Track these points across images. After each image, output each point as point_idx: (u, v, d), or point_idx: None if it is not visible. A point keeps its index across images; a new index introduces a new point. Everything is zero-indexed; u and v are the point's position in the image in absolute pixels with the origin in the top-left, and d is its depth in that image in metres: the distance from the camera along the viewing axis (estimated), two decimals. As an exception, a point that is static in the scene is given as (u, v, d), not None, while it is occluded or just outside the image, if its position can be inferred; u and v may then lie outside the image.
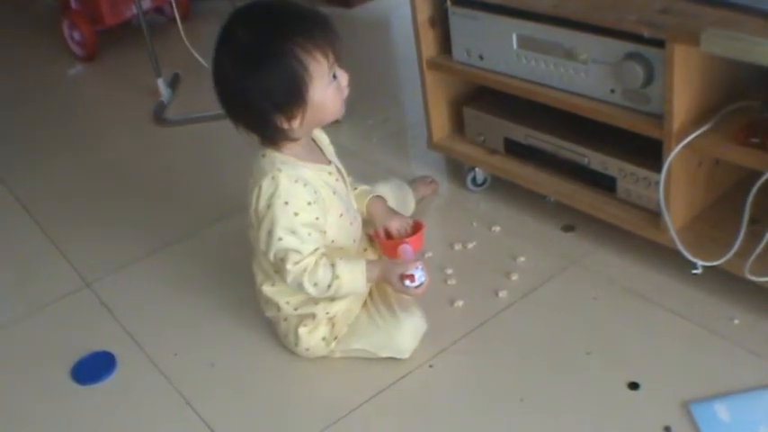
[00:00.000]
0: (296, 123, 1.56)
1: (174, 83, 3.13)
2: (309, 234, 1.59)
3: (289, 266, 1.58)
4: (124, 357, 1.87)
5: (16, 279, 2.22)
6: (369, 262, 1.66)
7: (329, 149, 1.77)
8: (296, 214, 1.57)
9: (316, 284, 1.59)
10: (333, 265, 1.60)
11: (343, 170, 1.75)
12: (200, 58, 2.97)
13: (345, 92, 1.60)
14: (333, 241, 1.67)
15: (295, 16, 1.54)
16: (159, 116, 2.95)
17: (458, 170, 2.29)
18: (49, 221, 2.44)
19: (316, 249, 1.60)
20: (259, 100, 1.52)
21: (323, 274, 1.59)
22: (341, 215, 1.67)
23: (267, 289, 1.73)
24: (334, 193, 1.66)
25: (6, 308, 2.10)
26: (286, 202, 1.57)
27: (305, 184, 1.59)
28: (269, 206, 1.58)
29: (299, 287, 1.61)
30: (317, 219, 1.60)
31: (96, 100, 3.31)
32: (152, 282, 2.11)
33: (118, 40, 3.61)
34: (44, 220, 2.45)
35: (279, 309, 1.73)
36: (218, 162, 2.58)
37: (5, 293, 2.16)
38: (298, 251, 1.58)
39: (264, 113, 1.54)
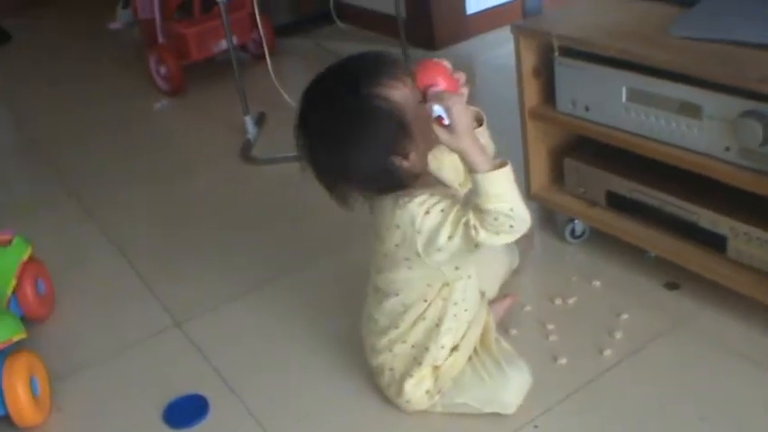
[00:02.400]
0: (413, 157, 1.54)
1: (260, 121, 3.14)
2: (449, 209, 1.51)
3: (477, 238, 1.46)
4: (217, 402, 1.85)
5: (104, 317, 2.21)
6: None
7: (444, 176, 1.72)
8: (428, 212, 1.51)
9: (495, 218, 1.44)
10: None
11: None
12: (286, 96, 2.97)
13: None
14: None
15: (363, 62, 1.56)
16: (247, 154, 2.95)
17: (553, 221, 2.25)
18: (137, 257, 2.45)
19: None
20: (369, 155, 1.52)
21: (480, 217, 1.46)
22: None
23: (390, 333, 1.69)
24: None
25: (96, 346, 2.09)
26: (426, 212, 1.51)
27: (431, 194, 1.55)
28: (419, 231, 1.52)
29: (502, 235, 1.46)
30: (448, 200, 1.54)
31: (182, 135, 3.33)
32: (243, 324, 2.10)
33: (203, 76, 3.64)
34: (133, 256, 2.46)
35: (391, 351, 1.70)
36: (307, 203, 2.56)
37: (94, 331, 2.16)
38: (462, 222, 1.48)
39: (381, 165, 1.53)
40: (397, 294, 1.65)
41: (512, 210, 1.44)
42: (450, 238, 1.49)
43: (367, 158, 1.53)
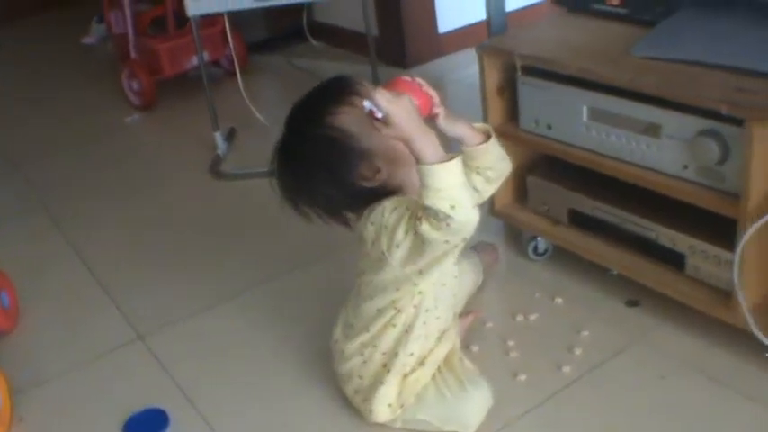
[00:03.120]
0: (382, 175, 1.56)
1: (230, 136, 3.14)
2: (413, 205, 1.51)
3: (419, 230, 1.44)
4: (177, 415, 1.85)
5: (68, 329, 2.21)
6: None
7: None
8: (395, 207, 1.53)
9: (435, 213, 1.40)
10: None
11: None
12: (256, 112, 2.99)
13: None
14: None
15: (310, 97, 1.60)
16: (216, 169, 2.95)
17: (517, 237, 2.26)
18: (103, 270, 2.44)
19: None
20: (337, 186, 1.56)
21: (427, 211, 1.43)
22: None
23: (361, 337, 1.70)
24: None
25: (58, 359, 2.09)
26: (395, 208, 1.53)
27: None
28: (385, 227, 1.52)
29: (441, 232, 1.42)
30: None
31: (152, 149, 3.33)
32: (206, 337, 2.10)
33: (175, 92, 3.64)
34: (98, 269, 2.45)
35: (362, 355, 1.71)
36: (274, 219, 2.53)
37: (58, 344, 2.15)
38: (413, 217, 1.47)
39: (350, 191, 1.56)
40: (372, 298, 1.66)
41: (452, 208, 1.39)
42: (406, 232, 1.47)
43: (335, 189, 1.57)
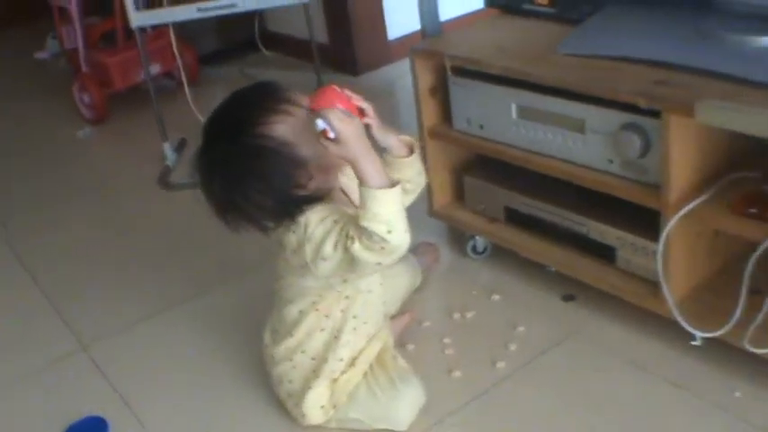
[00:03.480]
0: (315, 182, 1.56)
1: (180, 147, 3.15)
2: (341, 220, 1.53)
3: (351, 249, 1.47)
4: (117, 423, 1.85)
5: (10, 339, 2.21)
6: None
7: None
8: (322, 220, 1.54)
9: (370, 235, 1.44)
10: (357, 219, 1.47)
11: None
12: (206, 123, 2.99)
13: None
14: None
15: (237, 105, 1.57)
16: (164, 180, 2.96)
17: (459, 237, 2.28)
18: (48, 281, 2.45)
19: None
20: (268, 194, 1.53)
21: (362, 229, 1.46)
22: None
23: (287, 342, 1.71)
24: None
25: (0, 368, 2.09)
26: (321, 220, 1.53)
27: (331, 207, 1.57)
28: (309, 238, 1.53)
29: (374, 253, 1.46)
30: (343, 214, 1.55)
31: (103, 162, 3.33)
32: (150, 346, 2.11)
33: (128, 104, 3.64)
34: (43, 280, 2.46)
35: (291, 360, 1.71)
36: (220, 227, 2.57)
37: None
38: (344, 233, 1.49)
39: (285, 198, 1.54)
40: (292, 302, 1.67)
41: (389, 232, 1.44)
42: (335, 247, 1.49)
43: (270, 198, 1.54)
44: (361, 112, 1.57)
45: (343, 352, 1.70)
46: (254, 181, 1.53)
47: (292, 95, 1.57)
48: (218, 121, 1.58)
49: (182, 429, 1.82)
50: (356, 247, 1.45)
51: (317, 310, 1.66)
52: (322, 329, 1.68)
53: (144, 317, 2.21)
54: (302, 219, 1.54)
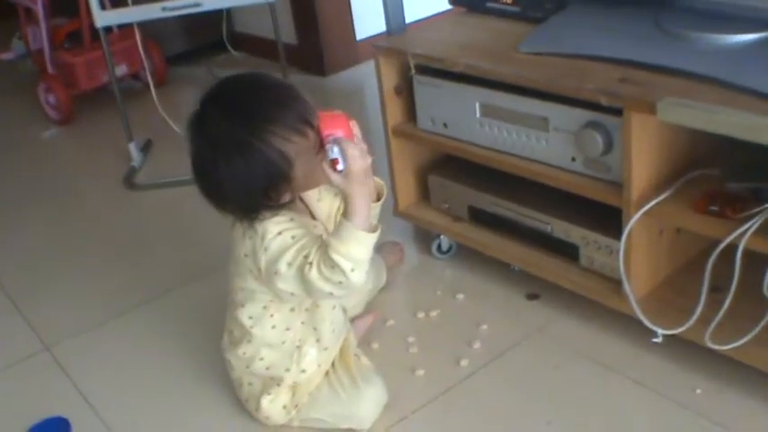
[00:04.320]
0: (285, 198, 1.53)
1: (146, 148, 3.13)
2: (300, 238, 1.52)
3: (308, 275, 1.46)
4: (79, 424, 1.83)
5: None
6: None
7: (318, 207, 1.72)
8: (280, 233, 1.52)
9: (333, 267, 1.45)
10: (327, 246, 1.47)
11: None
12: (172, 124, 2.98)
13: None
14: None
15: (267, 100, 1.50)
16: (129, 180, 2.94)
17: (424, 237, 2.28)
18: (11, 281, 2.42)
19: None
20: (242, 189, 1.49)
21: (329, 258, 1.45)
22: None
23: (244, 347, 1.68)
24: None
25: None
26: (279, 233, 1.52)
27: (290, 219, 1.55)
28: (265, 249, 1.51)
29: (329, 284, 1.47)
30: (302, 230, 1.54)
31: (68, 163, 3.31)
32: (113, 346, 2.09)
33: (94, 105, 3.61)
34: (6, 280, 2.43)
35: (248, 367, 1.70)
36: (185, 227, 2.57)
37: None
38: (303, 254, 1.48)
39: (250, 199, 1.51)
40: (243, 305, 1.65)
41: (352, 271, 1.45)
42: (289, 265, 1.49)
43: (241, 195, 1.50)
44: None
45: (306, 364, 1.69)
46: (236, 173, 1.47)
47: (312, 116, 1.50)
48: (234, 97, 1.51)
49: (145, 430, 1.81)
50: (313, 275, 1.46)
51: (271, 316, 1.64)
52: (284, 342, 1.66)
53: (107, 317, 2.19)
54: (259, 227, 1.52)
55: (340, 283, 1.46)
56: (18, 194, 3.01)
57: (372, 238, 1.48)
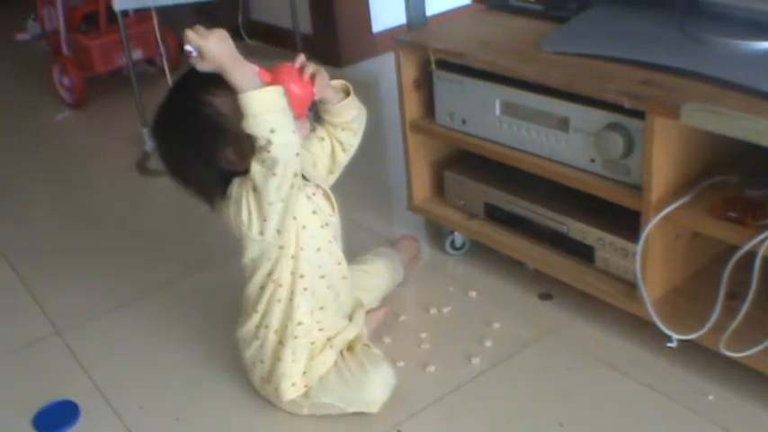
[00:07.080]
0: (234, 158, 1.58)
1: (160, 133, 3.12)
2: None
3: (251, 174, 1.53)
4: (88, 408, 1.84)
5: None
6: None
7: (313, 173, 1.78)
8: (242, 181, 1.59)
9: (258, 146, 1.49)
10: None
11: (329, 193, 1.77)
12: (187, 110, 2.96)
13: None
14: (304, 227, 1.65)
15: (191, 76, 1.57)
16: (143, 166, 2.94)
17: (437, 232, 2.28)
18: (24, 266, 2.42)
19: None
20: (199, 159, 1.58)
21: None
22: (313, 212, 1.68)
23: (252, 320, 1.72)
24: (308, 198, 1.68)
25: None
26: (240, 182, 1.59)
27: None
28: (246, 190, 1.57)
29: (264, 167, 1.50)
30: None
31: (82, 146, 3.30)
32: (124, 332, 2.09)
33: (108, 88, 3.61)
34: (19, 265, 2.43)
35: (258, 339, 1.72)
36: (197, 214, 2.52)
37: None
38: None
39: (211, 168, 1.59)
40: (251, 279, 1.69)
41: (272, 131, 1.46)
42: (246, 192, 1.56)
43: (203, 167, 1.59)
44: (312, 78, 1.63)
45: (299, 315, 1.69)
46: (184, 146, 1.59)
47: None
48: (175, 88, 1.64)
49: (154, 415, 1.81)
50: (253, 169, 1.50)
51: (273, 279, 1.66)
52: (279, 300, 1.68)
53: (119, 303, 2.19)
54: (233, 191, 1.59)
55: (269, 152, 1.47)
56: (30, 177, 3.01)
57: (264, 92, 1.48)
